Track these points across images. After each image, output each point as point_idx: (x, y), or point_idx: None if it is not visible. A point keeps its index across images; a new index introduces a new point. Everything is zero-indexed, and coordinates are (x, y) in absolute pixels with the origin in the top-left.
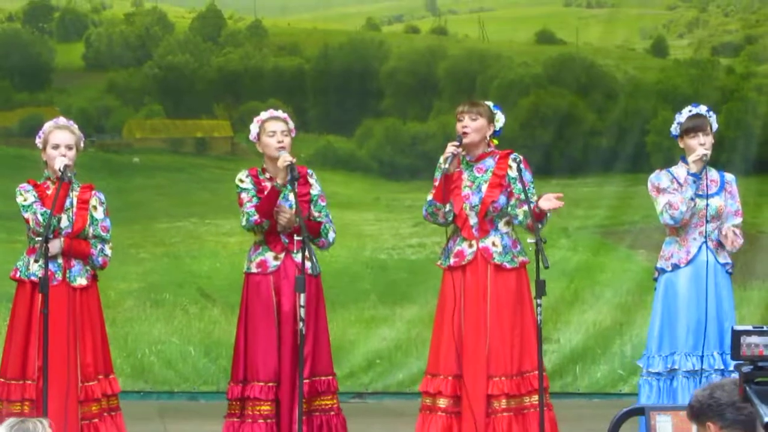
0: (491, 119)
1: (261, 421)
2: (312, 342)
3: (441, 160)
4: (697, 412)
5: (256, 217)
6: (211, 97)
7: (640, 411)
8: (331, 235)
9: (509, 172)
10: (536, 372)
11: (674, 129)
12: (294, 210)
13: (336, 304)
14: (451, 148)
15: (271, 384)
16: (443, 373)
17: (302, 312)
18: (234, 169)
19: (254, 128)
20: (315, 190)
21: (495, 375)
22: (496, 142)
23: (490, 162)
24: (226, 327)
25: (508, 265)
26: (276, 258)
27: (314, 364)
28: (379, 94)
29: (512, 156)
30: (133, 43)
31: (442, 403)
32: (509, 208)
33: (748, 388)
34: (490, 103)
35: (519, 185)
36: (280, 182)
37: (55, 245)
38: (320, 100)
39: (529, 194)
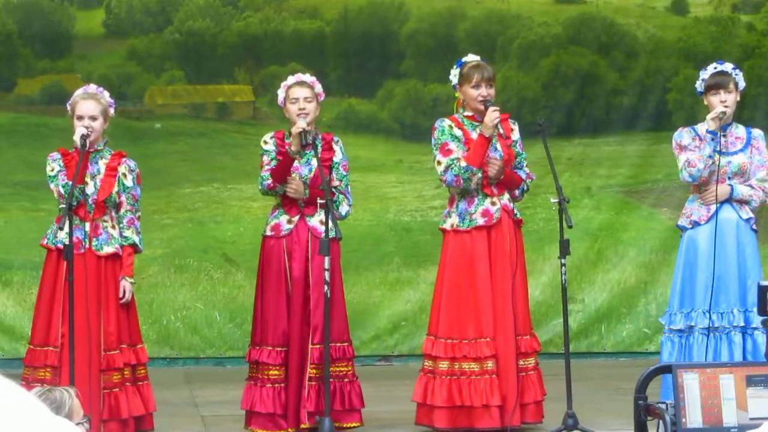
0: None
1: (269, 385)
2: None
3: (486, 125)
4: None
5: (269, 181)
6: (232, 62)
7: (667, 369)
8: (344, 209)
9: (512, 135)
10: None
11: (698, 85)
12: (311, 175)
13: (360, 267)
14: (496, 113)
15: (279, 349)
16: (487, 336)
17: (327, 275)
18: (256, 134)
19: (281, 93)
20: (337, 157)
21: (524, 333)
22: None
23: None
24: (251, 292)
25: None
26: (289, 222)
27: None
28: (400, 56)
29: (512, 120)
30: (153, 8)
31: (490, 365)
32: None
33: None
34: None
35: (518, 148)
36: (294, 149)
37: None
38: (341, 63)
39: (523, 158)
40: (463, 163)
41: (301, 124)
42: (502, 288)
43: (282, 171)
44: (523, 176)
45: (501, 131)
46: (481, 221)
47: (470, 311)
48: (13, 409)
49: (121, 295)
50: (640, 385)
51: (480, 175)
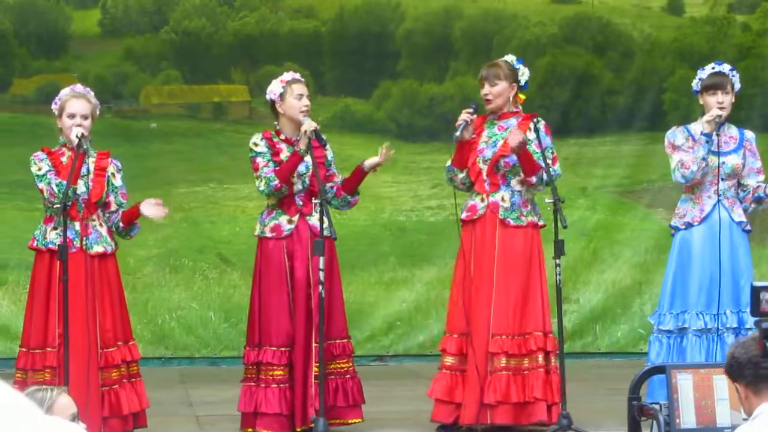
0: (514, 78)
1: (274, 385)
2: (326, 306)
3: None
4: (727, 371)
5: (276, 182)
6: (228, 61)
7: (661, 369)
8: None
9: (528, 134)
10: (538, 333)
11: (695, 85)
12: (309, 172)
13: (355, 267)
14: (464, 116)
15: (283, 349)
16: (450, 331)
17: (321, 275)
18: (252, 134)
19: (277, 88)
20: (330, 154)
21: (497, 333)
22: (524, 96)
23: (512, 121)
24: (246, 291)
25: (512, 222)
26: (290, 222)
27: (329, 327)
28: (396, 56)
29: (534, 119)
30: (149, 8)
31: (449, 360)
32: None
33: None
34: (511, 59)
35: (533, 147)
36: (303, 148)
37: None
38: (337, 63)
39: (541, 157)
40: (448, 162)
41: (312, 124)
42: (477, 285)
43: (291, 170)
44: (543, 165)
45: (460, 134)
46: (464, 215)
47: (451, 305)
48: (8, 409)
49: (158, 203)
50: (633, 386)
51: (462, 175)
